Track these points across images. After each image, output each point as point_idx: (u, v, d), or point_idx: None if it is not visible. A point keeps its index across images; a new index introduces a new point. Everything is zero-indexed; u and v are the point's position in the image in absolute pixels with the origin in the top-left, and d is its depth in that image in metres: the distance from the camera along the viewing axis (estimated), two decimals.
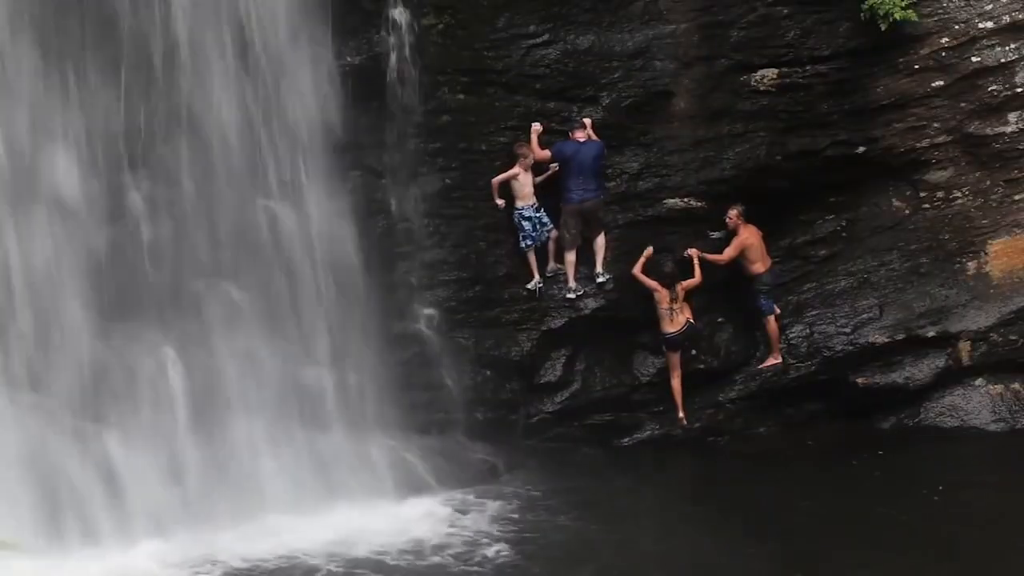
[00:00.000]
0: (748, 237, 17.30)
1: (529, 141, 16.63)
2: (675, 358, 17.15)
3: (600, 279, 17.04)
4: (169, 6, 14.65)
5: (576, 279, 16.97)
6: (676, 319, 17.04)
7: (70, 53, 14.24)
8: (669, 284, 16.97)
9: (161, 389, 14.37)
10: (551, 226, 16.85)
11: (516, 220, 16.82)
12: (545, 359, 17.01)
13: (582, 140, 16.66)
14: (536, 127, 16.64)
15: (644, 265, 17.01)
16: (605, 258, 17.05)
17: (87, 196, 14.37)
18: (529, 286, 16.89)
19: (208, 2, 14.88)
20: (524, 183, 16.71)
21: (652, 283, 16.99)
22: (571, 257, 16.93)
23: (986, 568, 13.31)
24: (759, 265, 17.42)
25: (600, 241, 17.03)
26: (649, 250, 17.02)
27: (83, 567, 13.05)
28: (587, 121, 16.70)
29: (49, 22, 14.10)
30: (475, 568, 13.53)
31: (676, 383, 17.17)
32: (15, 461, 13.50)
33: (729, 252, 17.30)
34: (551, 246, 16.93)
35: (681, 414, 17.21)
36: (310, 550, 13.83)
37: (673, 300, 16.98)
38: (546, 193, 16.86)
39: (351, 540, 14.05)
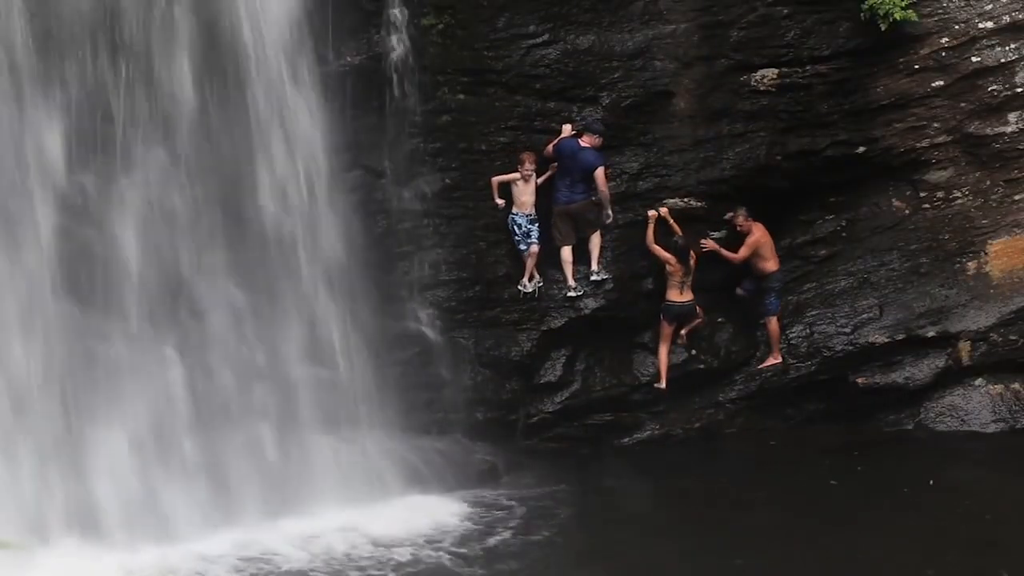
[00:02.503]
0: (760, 236, 17.28)
1: (528, 148, 16.60)
2: (668, 331, 17.12)
3: (596, 277, 17.01)
4: (171, 3, 14.65)
5: (575, 278, 16.97)
6: (685, 292, 17.05)
7: (66, 46, 14.24)
8: (682, 258, 16.98)
9: (161, 390, 14.37)
10: (536, 242, 16.75)
11: (509, 223, 16.80)
12: (545, 359, 17.00)
13: (583, 145, 16.66)
14: (567, 127, 16.65)
15: (656, 235, 17.01)
16: (601, 257, 17.04)
17: (84, 193, 14.38)
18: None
19: (209, 1, 14.88)
20: (522, 191, 16.69)
21: (666, 255, 16.99)
22: (567, 256, 16.91)
23: (986, 567, 13.31)
24: (771, 263, 17.38)
25: (595, 240, 16.99)
26: (653, 213, 16.98)
27: (85, 568, 13.06)
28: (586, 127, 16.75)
29: (48, 13, 14.09)
30: (475, 567, 13.54)
31: (664, 353, 17.12)
32: (22, 461, 13.53)
33: (743, 252, 17.25)
34: (528, 261, 16.82)
35: (663, 384, 17.13)
36: (309, 549, 13.83)
37: (686, 274, 16.99)
38: (544, 193, 16.87)
39: (351, 539, 14.06)
